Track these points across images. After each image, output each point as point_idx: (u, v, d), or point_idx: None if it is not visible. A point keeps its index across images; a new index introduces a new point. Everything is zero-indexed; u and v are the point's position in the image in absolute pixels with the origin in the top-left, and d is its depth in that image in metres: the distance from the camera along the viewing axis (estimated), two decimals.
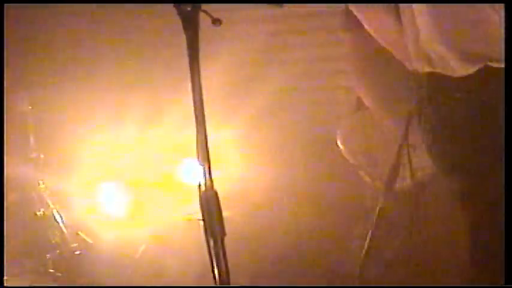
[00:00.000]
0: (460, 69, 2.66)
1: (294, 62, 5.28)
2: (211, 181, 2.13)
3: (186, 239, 4.70)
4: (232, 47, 4.94)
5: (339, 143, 4.08)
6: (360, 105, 3.45)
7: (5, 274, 3.75)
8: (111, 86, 5.08)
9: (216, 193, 2.14)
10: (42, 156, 4.58)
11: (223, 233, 2.15)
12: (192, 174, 4.79)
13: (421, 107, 2.79)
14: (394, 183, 3.71)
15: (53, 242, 4.33)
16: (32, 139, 4.54)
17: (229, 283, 2.11)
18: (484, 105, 2.67)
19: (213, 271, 2.12)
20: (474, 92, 2.67)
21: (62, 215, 4.43)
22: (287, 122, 5.26)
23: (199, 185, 2.13)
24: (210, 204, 2.14)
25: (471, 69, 2.65)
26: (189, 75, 2.07)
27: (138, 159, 5.24)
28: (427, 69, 2.74)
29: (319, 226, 4.73)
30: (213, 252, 2.13)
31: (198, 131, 2.10)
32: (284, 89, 5.18)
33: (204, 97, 2.10)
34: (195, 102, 2.10)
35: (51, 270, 4.10)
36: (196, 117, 2.09)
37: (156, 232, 4.95)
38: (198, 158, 2.11)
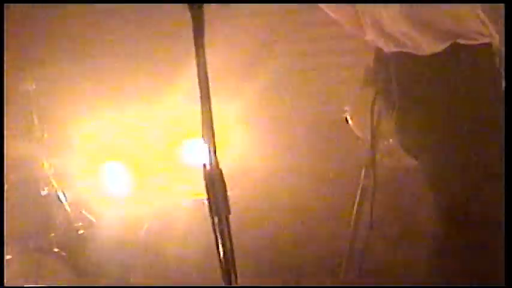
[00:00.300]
0: (428, 47, 2.66)
1: (300, 41, 5.27)
2: (216, 159, 2.12)
3: (190, 218, 4.71)
4: (238, 24, 4.93)
5: (348, 117, 4.07)
6: (366, 82, 3.42)
7: (9, 253, 3.76)
8: (115, 64, 5.07)
9: (220, 171, 2.13)
10: (45, 135, 4.56)
11: (228, 212, 2.14)
12: (196, 153, 4.79)
13: (388, 87, 2.79)
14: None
15: (57, 221, 4.32)
16: (35, 118, 4.52)
17: (234, 261, 2.10)
18: (454, 83, 2.67)
19: (217, 249, 2.12)
20: (443, 70, 2.67)
21: (65, 194, 4.42)
22: (292, 101, 5.25)
23: (204, 164, 2.13)
24: (215, 183, 2.13)
25: (440, 47, 2.65)
26: (193, 51, 2.06)
27: (142, 138, 5.23)
28: (394, 49, 2.74)
29: (323, 204, 4.74)
30: (217, 230, 2.12)
31: (202, 109, 2.08)
32: (289, 68, 5.18)
33: (209, 75, 2.07)
34: (199, 79, 2.08)
35: (56, 250, 4.10)
36: (201, 95, 2.08)
37: (160, 211, 4.95)
38: (203, 136, 2.10)
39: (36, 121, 4.52)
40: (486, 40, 2.69)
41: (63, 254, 4.08)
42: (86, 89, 5.01)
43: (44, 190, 4.35)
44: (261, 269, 4.40)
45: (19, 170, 4.34)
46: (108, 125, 5.13)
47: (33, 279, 3.66)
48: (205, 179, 2.13)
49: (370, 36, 2.85)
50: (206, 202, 2.12)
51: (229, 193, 2.14)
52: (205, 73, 2.08)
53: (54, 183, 4.40)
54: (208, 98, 2.06)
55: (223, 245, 2.11)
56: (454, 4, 2.68)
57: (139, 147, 5.22)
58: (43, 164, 4.44)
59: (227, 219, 2.13)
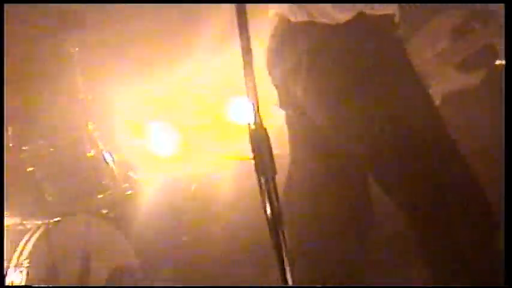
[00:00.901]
0: (336, 16, 2.71)
1: None
2: (261, 119, 2.10)
3: (238, 177, 4.71)
4: None
5: None
6: None
7: (58, 215, 3.78)
8: (160, 25, 5.04)
9: (266, 131, 2.12)
10: (90, 97, 4.57)
11: (274, 172, 2.13)
12: (243, 111, 4.77)
13: (301, 58, 2.80)
14: None
15: (104, 182, 4.34)
16: (79, 80, 4.52)
17: (281, 221, 2.09)
18: (361, 52, 2.73)
19: (265, 209, 2.10)
20: (351, 41, 2.73)
21: (112, 156, 4.44)
22: None
23: (249, 124, 2.11)
24: (260, 143, 2.12)
25: (347, 16, 2.71)
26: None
27: (188, 97, 5.22)
28: (306, 18, 2.77)
29: None
30: (265, 190, 2.10)
31: (245, 71, 2.07)
32: None
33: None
34: (242, 44, 2.07)
35: (104, 211, 4.12)
36: (244, 58, 2.06)
37: (207, 171, 4.96)
38: (248, 96, 2.08)
39: (80, 83, 4.53)
40: (390, 11, 2.80)
41: (111, 215, 4.09)
42: (132, 50, 4.99)
43: (90, 152, 4.36)
44: None
45: (65, 133, 4.36)
46: (155, 84, 5.12)
47: (82, 241, 3.67)
48: (250, 140, 2.12)
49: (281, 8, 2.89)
50: (252, 161, 2.11)
51: (275, 152, 2.12)
52: (248, 36, 2.06)
53: (100, 144, 4.41)
54: (251, 59, 2.05)
55: (270, 205, 2.10)
56: None
57: (186, 107, 5.21)
58: (89, 126, 4.45)
59: (273, 179, 2.12)
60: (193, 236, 4.75)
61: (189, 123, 5.17)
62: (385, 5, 2.79)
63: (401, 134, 2.70)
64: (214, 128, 5.18)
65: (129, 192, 4.47)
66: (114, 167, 4.42)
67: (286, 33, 2.88)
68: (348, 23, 2.74)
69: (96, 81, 4.64)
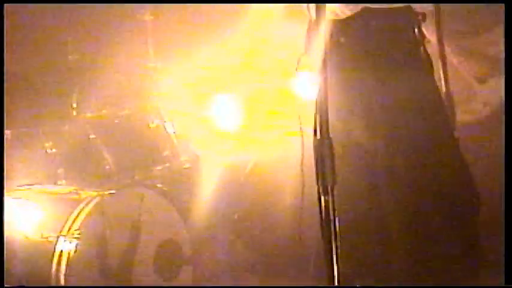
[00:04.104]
0: (341, 11, 2.78)
1: None
2: (327, 129, 2.05)
3: (298, 155, 4.64)
4: None
5: None
6: None
7: (115, 187, 3.79)
8: None
9: (330, 141, 2.07)
10: (159, 65, 4.56)
11: (334, 182, 2.09)
12: (305, 87, 4.70)
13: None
14: None
15: (164, 154, 4.33)
16: (150, 48, 4.51)
17: (336, 233, 2.05)
18: (367, 47, 2.81)
19: (321, 220, 2.06)
20: (356, 36, 2.80)
21: (174, 128, 4.42)
22: None
23: (315, 131, 2.06)
24: (324, 152, 2.07)
25: (352, 10, 2.78)
26: None
27: (253, 72, 5.17)
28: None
29: None
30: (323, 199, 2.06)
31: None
32: None
33: None
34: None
35: (159, 185, 4.11)
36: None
37: (267, 147, 4.90)
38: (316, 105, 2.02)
39: (151, 51, 4.51)
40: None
41: (165, 188, 4.09)
42: (201, 23, 4.95)
43: (152, 123, 4.35)
44: None
45: (130, 102, 4.36)
46: (220, 57, 5.08)
47: (134, 214, 3.67)
48: (314, 148, 2.09)
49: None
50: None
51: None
52: None
53: (163, 115, 4.40)
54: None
55: (326, 215, 2.06)
56: None
57: (250, 81, 5.16)
58: (154, 96, 4.44)
59: (332, 189, 2.08)
60: (248, 212, 4.72)
61: (253, 98, 5.12)
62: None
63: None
64: (278, 103, 5.12)
65: (186, 166, 4.45)
66: (174, 140, 4.42)
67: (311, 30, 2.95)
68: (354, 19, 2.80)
69: (165, 51, 4.62)
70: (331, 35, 2.78)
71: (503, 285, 2.52)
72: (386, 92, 2.84)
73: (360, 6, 2.76)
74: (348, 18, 2.79)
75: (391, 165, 2.86)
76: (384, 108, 2.85)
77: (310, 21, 2.98)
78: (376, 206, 3.01)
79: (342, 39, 2.82)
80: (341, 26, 2.81)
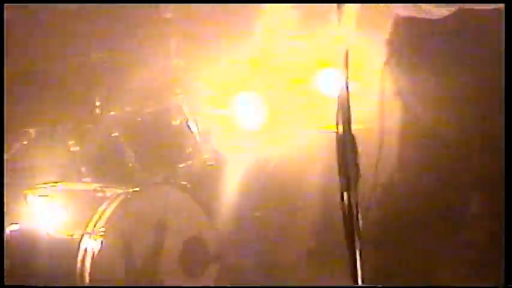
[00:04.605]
0: (435, 11, 2.77)
1: None
2: (350, 125, 2.04)
3: (321, 152, 4.64)
4: None
5: None
6: None
7: (137, 186, 3.80)
8: None
9: (353, 137, 2.06)
10: (182, 63, 4.55)
11: (357, 178, 2.07)
12: (330, 83, 4.69)
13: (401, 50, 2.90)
14: None
15: (187, 152, 4.34)
16: (173, 46, 4.51)
17: (359, 233, 2.04)
18: (462, 45, 2.80)
19: (344, 217, 2.05)
20: (452, 34, 2.80)
21: (197, 125, 4.43)
22: None
23: (337, 129, 2.05)
24: (347, 149, 2.06)
25: (446, 11, 2.76)
26: None
27: (275, 70, 5.16)
28: (405, 13, 2.85)
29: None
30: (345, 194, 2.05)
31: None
32: None
33: None
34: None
35: (183, 182, 4.12)
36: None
37: (291, 145, 4.90)
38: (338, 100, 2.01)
39: (174, 48, 4.51)
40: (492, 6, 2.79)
41: (188, 186, 4.09)
42: (223, 19, 4.95)
43: (176, 120, 4.36)
44: None
45: (153, 99, 4.37)
46: (243, 54, 5.07)
47: (159, 212, 3.68)
48: (337, 144, 2.07)
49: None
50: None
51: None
52: None
53: (186, 113, 4.40)
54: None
55: (349, 213, 2.05)
56: None
57: (273, 79, 5.16)
58: (177, 93, 4.44)
59: (355, 185, 2.06)
60: (267, 213, 4.72)
61: (276, 95, 5.11)
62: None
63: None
64: (301, 101, 5.11)
65: (210, 164, 4.45)
66: (198, 137, 4.42)
67: (394, 26, 2.96)
68: (450, 17, 2.78)
69: (188, 48, 4.62)
70: (425, 35, 2.84)
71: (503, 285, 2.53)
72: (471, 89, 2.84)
73: (454, 7, 2.77)
74: (445, 18, 2.79)
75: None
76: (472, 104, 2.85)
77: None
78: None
79: (437, 37, 2.83)
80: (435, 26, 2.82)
